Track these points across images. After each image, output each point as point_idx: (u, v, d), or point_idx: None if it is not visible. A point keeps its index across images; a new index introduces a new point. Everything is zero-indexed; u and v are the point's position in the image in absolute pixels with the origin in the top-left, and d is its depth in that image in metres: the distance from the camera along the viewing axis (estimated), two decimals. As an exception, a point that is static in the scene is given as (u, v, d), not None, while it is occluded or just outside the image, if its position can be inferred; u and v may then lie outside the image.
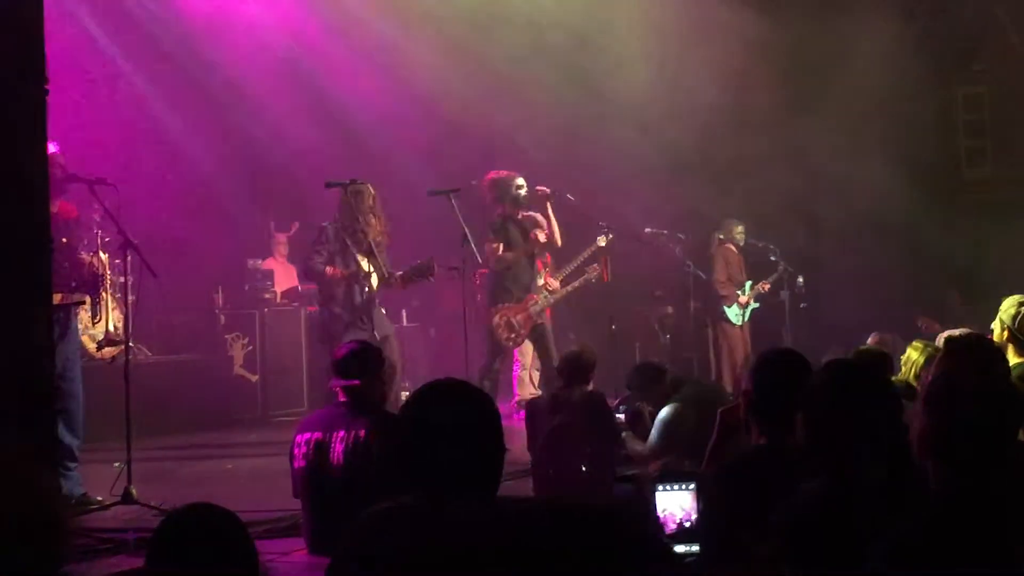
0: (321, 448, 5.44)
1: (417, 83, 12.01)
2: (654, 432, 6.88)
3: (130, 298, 7.38)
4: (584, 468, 6.65)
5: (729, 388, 10.73)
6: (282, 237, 13.03)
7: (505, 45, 11.83)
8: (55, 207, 6.41)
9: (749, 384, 3.81)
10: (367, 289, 8.72)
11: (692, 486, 2.86)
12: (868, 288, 12.30)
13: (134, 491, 6.63)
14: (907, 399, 3.80)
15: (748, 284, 12.27)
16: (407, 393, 11.43)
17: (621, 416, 7.31)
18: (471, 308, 9.38)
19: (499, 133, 12.39)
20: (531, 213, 10.07)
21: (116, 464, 6.97)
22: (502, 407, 4.14)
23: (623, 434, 7.06)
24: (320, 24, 12.16)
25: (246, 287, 12.36)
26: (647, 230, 11.69)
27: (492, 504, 2.59)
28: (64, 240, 6.69)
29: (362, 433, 5.37)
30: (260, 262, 12.61)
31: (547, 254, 10.62)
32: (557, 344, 9.94)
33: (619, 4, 12.39)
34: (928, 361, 6.14)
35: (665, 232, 11.74)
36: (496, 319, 9.82)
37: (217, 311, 12.21)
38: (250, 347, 12.04)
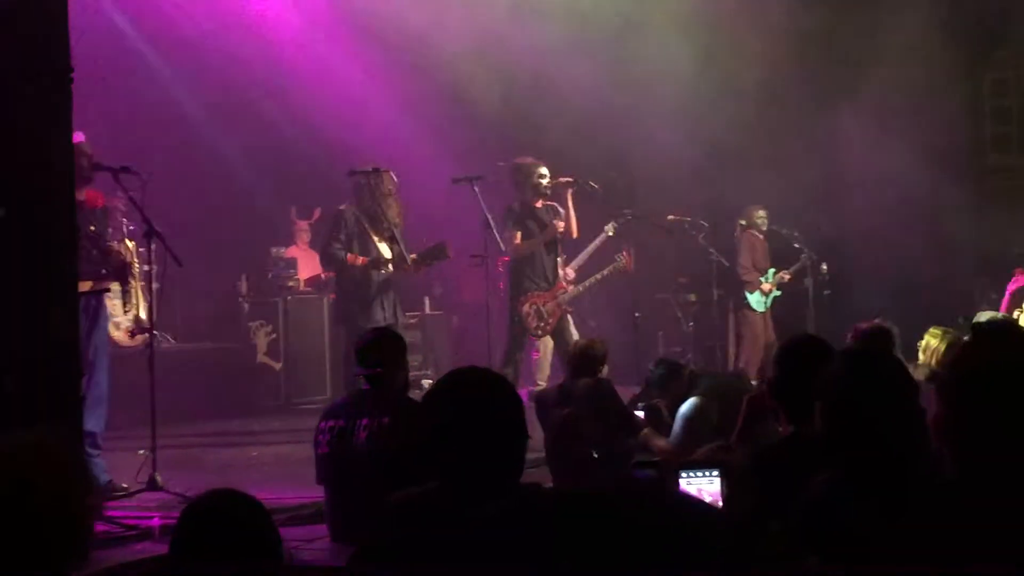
0: (344, 435, 5.44)
1: (443, 69, 11.99)
2: (677, 427, 6.84)
3: (154, 286, 7.42)
4: (595, 455, 6.62)
5: (752, 376, 10.69)
6: (304, 224, 13.05)
7: (536, 32, 11.81)
8: (82, 195, 6.46)
9: (773, 372, 3.80)
10: (384, 273, 8.74)
11: (716, 473, 2.84)
12: (893, 275, 12.25)
13: (159, 478, 6.66)
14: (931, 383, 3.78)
15: (771, 271, 12.23)
16: (429, 381, 11.47)
17: (640, 414, 7.29)
18: (493, 296, 9.38)
19: (526, 120, 12.37)
20: (551, 202, 10.01)
21: (140, 451, 7.00)
22: (523, 394, 4.14)
23: (644, 431, 7.02)
24: (344, 10, 12.16)
25: (269, 275, 12.39)
26: (670, 217, 11.66)
27: (515, 491, 2.59)
28: (92, 228, 6.73)
29: (385, 420, 5.36)
30: (283, 250, 12.64)
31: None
32: (579, 333, 9.90)
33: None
34: (950, 347, 6.12)
35: (688, 219, 11.71)
36: (525, 307, 9.76)
37: (240, 299, 12.26)
38: (273, 335, 12.07)
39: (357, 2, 11.97)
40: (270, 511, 2.74)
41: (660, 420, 7.21)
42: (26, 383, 4.72)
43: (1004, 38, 13.63)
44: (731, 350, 12.40)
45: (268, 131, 12.75)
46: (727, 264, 11.98)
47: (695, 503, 2.79)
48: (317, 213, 12.94)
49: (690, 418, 6.71)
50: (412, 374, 6.75)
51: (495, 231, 9.23)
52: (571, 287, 10.03)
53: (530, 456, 2.81)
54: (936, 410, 2.66)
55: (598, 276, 10.28)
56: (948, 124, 12.57)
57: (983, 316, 9.26)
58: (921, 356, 6.90)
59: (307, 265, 12.70)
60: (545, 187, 9.85)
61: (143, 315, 7.61)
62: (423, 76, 12.24)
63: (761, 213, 12.28)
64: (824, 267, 12.15)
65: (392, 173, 8.87)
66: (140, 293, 7.54)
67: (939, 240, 12.41)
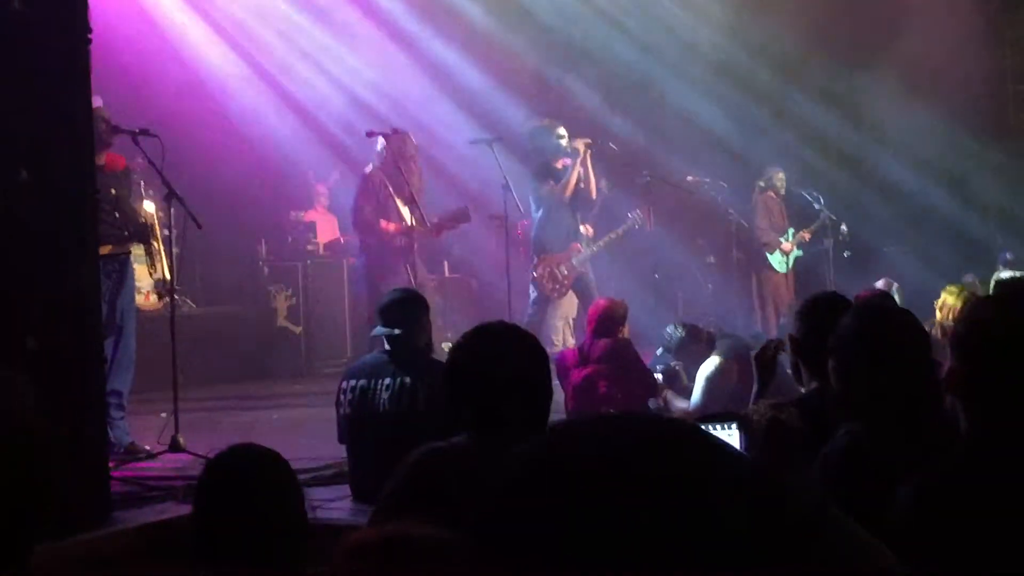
0: (366, 395, 5.45)
1: (461, 28, 11.95)
2: (698, 387, 6.84)
3: (174, 250, 7.43)
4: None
5: (773, 336, 10.66)
6: (322, 188, 13.00)
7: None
8: (101, 160, 6.46)
9: (795, 328, 3.80)
10: (405, 235, 8.76)
11: (735, 426, 2.84)
12: (914, 235, 12.19)
13: (181, 440, 6.69)
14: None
15: (791, 231, 12.18)
16: (448, 344, 11.47)
17: (659, 376, 7.29)
18: (513, 258, 9.37)
19: (545, 81, 12.33)
20: (569, 161, 9.97)
21: (163, 414, 7.04)
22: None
23: (665, 392, 7.02)
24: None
25: (289, 239, 12.39)
26: (689, 178, 11.61)
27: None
28: (113, 191, 6.74)
29: (407, 380, 5.37)
30: (302, 214, 12.63)
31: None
32: (600, 294, 9.89)
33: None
34: (966, 304, 6.09)
35: (707, 180, 11.66)
36: (540, 270, 9.78)
37: (260, 263, 12.27)
38: (293, 299, 12.08)
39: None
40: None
41: (678, 383, 7.22)
42: (48, 343, 4.74)
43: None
44: (753, 312, 12.38)
45: (288, 94, 12.73)
46: (746, 225, 11.95)
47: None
48: (335, 175, 12.92)
49: (711, 377, 6.72)
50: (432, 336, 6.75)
51: (512, 193, 9.22)
52: (583, 247, 10.01)
53: (550, 417, 2.82)
54: (950, 364, 2.64)
55: (611, 235, 10.25)
56: (969, 83, 12.47)
57: (1003, 274, 9.23)
58: (938, 314, 6.88)
59: (326, 229, 12.69)
60: (565, 147, 9.83)
61: (167, 277, 7.63)
62: (449, 40, 12.20)
63: (781, 175, 12.23)
64: (844, 228, 12.09)
65: (411, 135, 8.86)
66: (164, 256, 7.56)
67: (961, 200, 12.35)
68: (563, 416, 6.87)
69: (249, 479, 2.60)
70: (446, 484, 2.50)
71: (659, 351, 8.12)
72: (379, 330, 5.56)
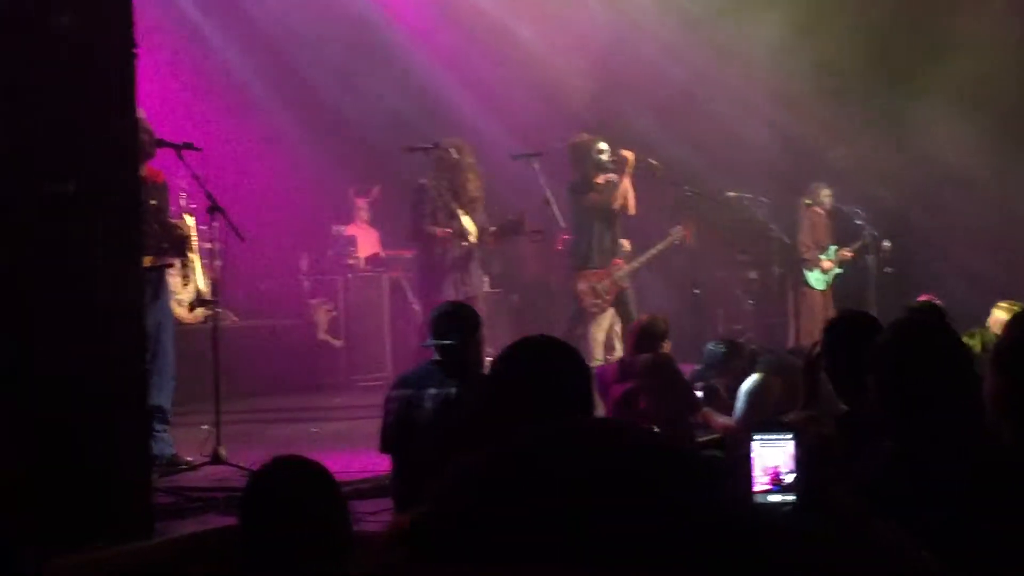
0: (412, 404, 5.43)
1: (506, 42, 11.99)
2: (740, 404, 6.79)
3: (216, 263, 7.47)
4: (657, 431, 6.59)
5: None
6: (363, 202, 13.06)
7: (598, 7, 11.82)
8: (142, 171, 6.50)
9: (820, 347, 3.80)
10: (465, 246, 8.78)
11: (790, 436, 2.82)
12: (956, 250, 12.10)
13: (223, 452, 6.72)
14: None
15: (832, 248, 12.11)
16: (489, 360, 11.45)
17: (699, 393, 7.24)
18: (554, 274, 9.36)
19: (587, 96, 12.34)
20: (611, 177, 9.94)
21: (204, 427, 7.07)
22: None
23: (704, 409, 6.98)
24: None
25: (329, 253, 12.46)
26: (730, 194, 11.57)
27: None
28: (153, 203, 6.78)
29: (453, 391, 5.36)
30: (343, 228, 12.70)
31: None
32: (640, 310, 9.85)
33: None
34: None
35: (749, 196, 11.61)
36: (581, 285, 9.75)
37: (301, 277, 12.35)
38: (334, 312, 12.14)
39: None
40: (334, 482, 2.75)
41: (718, 400, 7.17)
42: (95, 352, 4.77)
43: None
44: (791, 328, 12.31)
45: (328, 108, 12.81)
46: (788, 241, 11.89)
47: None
48: (376, 190, 12.98)
49: (753, 393, 6.67)
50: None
51: (554, 208, 9.22)
52: (625, 263, 9.97)
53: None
54: (992, 380, 2.60)
55: (653, 251, 10.20)
56: (1006, 89, 12.36)
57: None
58: (991, 330, 6.83)
59: (367, 243, 12.75)
60: (606, 162, 9.80)
61: (203, 288, 7.65)
62: (493, 56, 12.24)
63: (827, 191, 12.18)
64: (886, 244, 11.99)
65: (467, 144, 8.92)
66: (201, 268, 7.59)
67: (1001, 211, 12.24)
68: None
69: (294, 490, 2.61)
70: (489, 495, 2.49)
71: (699, 367, 8.09)
72: (431, 341, 5.54)
